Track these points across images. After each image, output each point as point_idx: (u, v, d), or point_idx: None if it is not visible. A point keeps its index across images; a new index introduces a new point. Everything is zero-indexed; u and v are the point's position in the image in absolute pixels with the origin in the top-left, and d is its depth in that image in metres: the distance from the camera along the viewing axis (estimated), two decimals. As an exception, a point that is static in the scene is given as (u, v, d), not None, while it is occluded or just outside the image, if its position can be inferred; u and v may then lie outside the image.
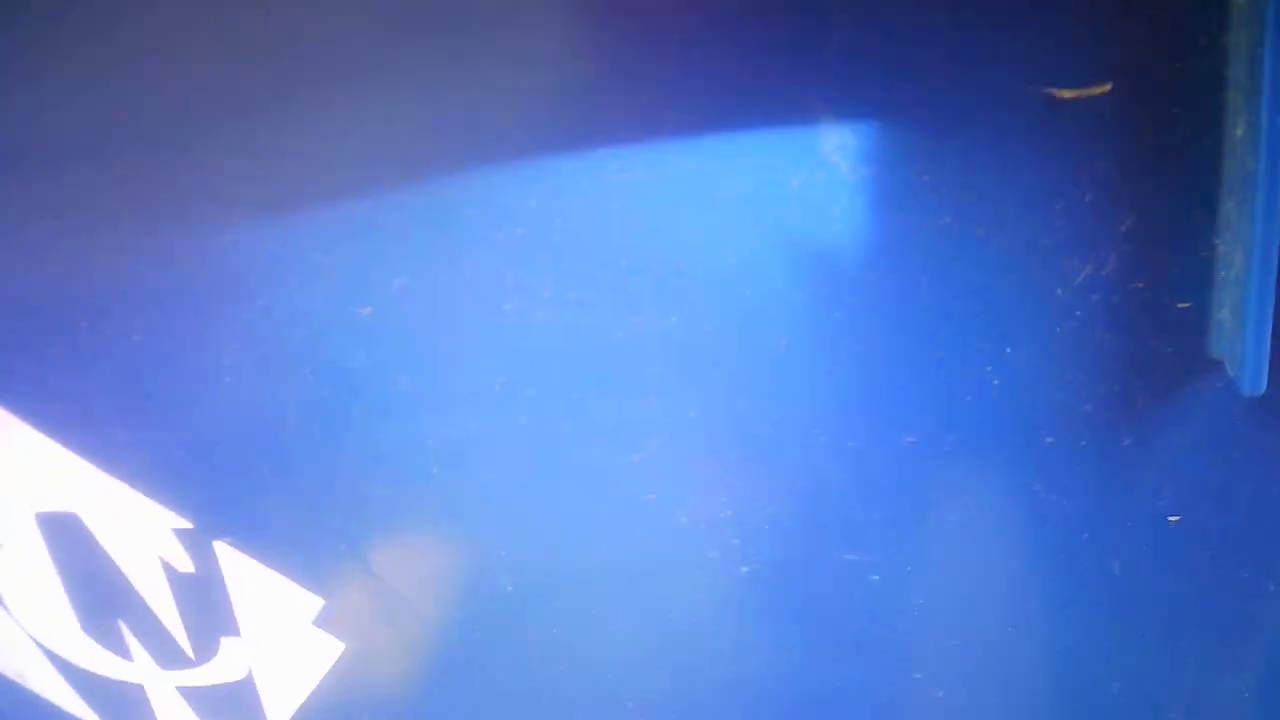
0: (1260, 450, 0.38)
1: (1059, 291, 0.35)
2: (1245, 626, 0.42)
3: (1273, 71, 0.29)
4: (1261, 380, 0.33)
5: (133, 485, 0.40)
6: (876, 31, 0.32)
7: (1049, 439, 0.38)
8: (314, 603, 0.42)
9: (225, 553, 0.41)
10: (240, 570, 0.42)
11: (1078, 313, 0.36)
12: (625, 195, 0.35)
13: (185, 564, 0.42)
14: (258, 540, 0.41)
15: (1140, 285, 0.35)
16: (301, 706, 0.44)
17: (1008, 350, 0.37)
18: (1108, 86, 0.32)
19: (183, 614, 0.43)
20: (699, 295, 0.37)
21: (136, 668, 0.44)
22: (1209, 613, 0.42)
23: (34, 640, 0.44)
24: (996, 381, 0.37)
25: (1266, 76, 0.29)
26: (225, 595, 0.43)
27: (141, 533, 0.41)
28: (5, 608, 0.43)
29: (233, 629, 0.43)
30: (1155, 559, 0.40)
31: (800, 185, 0.34)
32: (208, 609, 0.42)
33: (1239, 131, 0.32)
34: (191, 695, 0.45)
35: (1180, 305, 0.35)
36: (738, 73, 0.34)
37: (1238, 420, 0.37)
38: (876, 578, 0.42)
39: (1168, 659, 0.42)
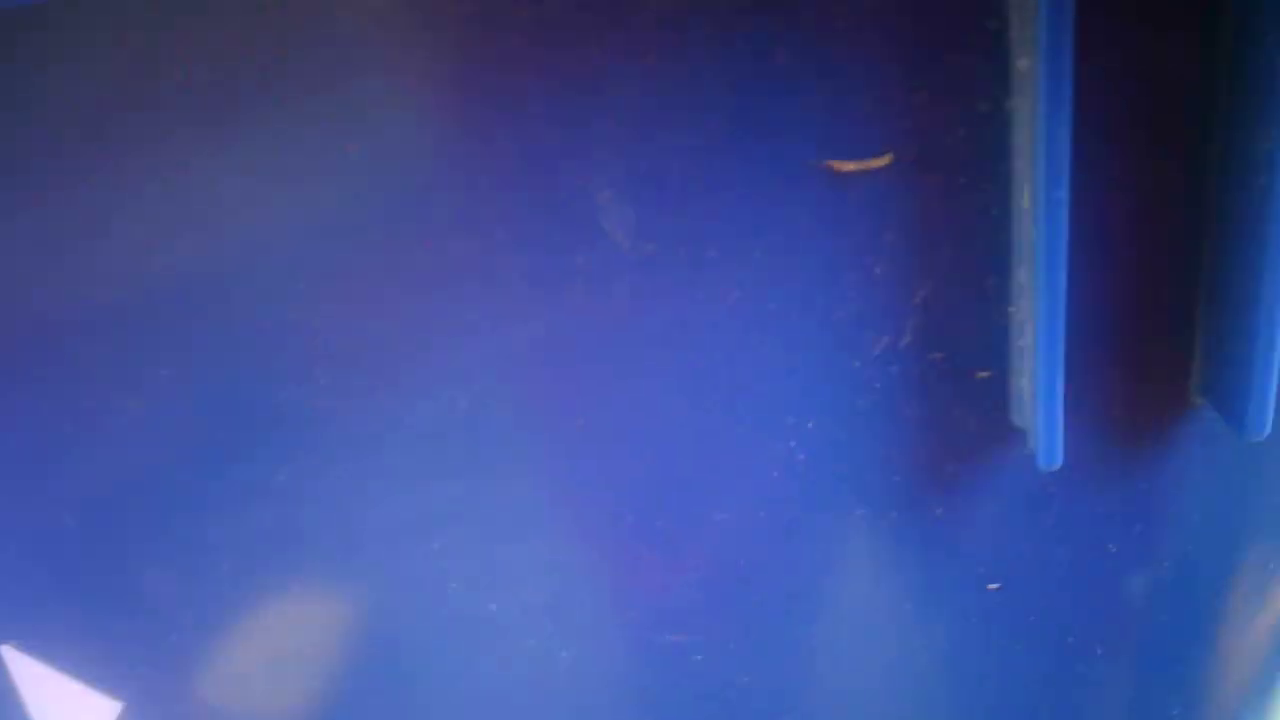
0: (1072, 515, 0.37)
1: (856, 364, 0.34)
2: (1078, 689, 0.41)
3: (1048, 139, 0.27)
4: (1056, 455, 0.32)
5: None
6: (654, 105, 0.30)
7: (859, 511, 0.36)
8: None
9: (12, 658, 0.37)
10: (30, 677, 0.37)
11: (877, 385, 0.34)
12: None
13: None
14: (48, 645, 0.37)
15: (939, 356, 0.34)
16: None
17: (810, 424, 0.35)
18: (887, 159, 0.30)
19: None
20: (490, 378, 0.34)
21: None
22: (1040, 678, 0.41)
23: None
24: (802, 456, 0.35)
25: (1041, 144, 0.28)
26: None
27: None
28: None
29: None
30: (980, 628, 0.39)
31: (583, 263, 0.32)
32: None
33: (1025, 201, 0.30)
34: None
35: (980, 374, 0.34)
36: (513, 150, 0.31)
37: (1049, 487, 0.36)
38: (700, 658, 0.40)
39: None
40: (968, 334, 0.33)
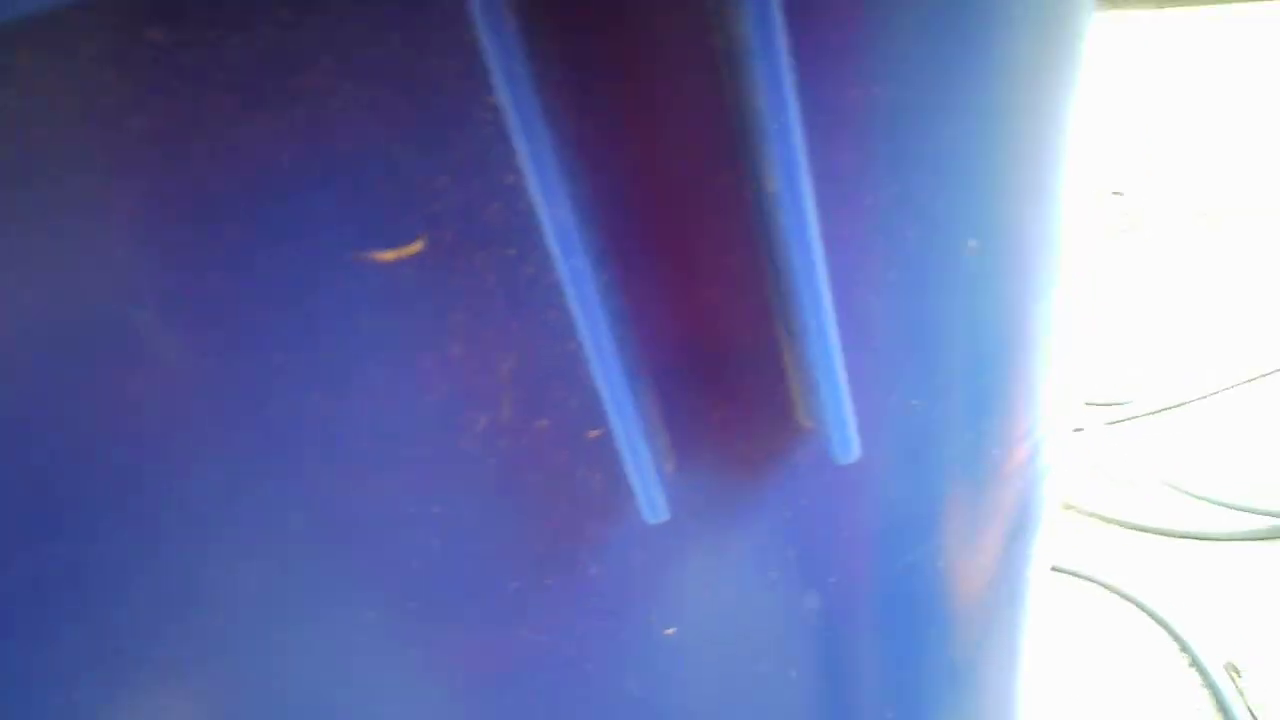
0: (722, 556, 0.37)
1: (465, 443, 0.34)
2: (786, 713, 0.42)
3: (547, 210, 0.28)
4: (658, 509, 0.32)
5: None
6: (171, 215, 0.29)
7: (514, 585, 0.36)
8: None
9: None
10: None
11: (492, 460, 0.34)
12: None
13: None
14: None
15: (545, 423, 0.34)
16: None
17: (435, 510, 0.34)
18: (419, 244, 0.30)
19: None
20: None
21: None
22: (751, 714, 0.41)
23: None
24: (437, 543, 0.35)
25: (542, 216, 0.28)
26: None
27: None
28: None
29: None
30: (670, 679, 0.39)
31: (140, 393, 0.31)
32: None
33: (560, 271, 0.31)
34: None
35: (591, 434, 0.34)
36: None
37: (691, 532, 0.37)
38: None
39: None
40: (566, 397, 0.34)
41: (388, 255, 0.30)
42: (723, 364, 0.34)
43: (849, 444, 0.32)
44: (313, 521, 0.33)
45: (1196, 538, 1.62)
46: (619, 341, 0.30)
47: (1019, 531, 0.46)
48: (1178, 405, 2.00)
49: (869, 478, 0.38)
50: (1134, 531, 1.68)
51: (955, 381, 0.38)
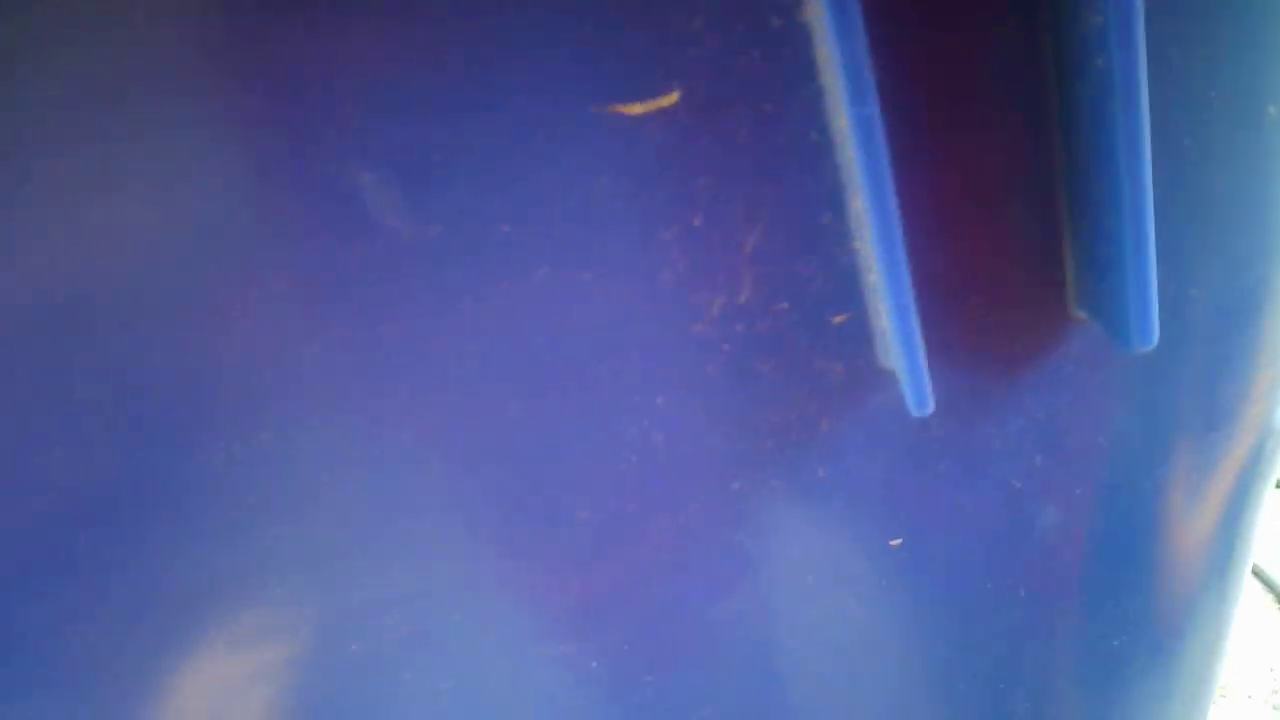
0: (966, 456, 0.34)
1: (696, 328, 0.30)
2: (1006, 637, 0.38)
3: (843, 51, 0.24)
4: (926, 400, 0.29)
5: None
6: (409, 68, 0.26)
7: (736, 485, 0.33)
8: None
9: None
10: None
11: (725, 347, 0.30)
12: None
13: None
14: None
15: (785, 306, 0.30)
16: None
17: (659, 401, 0.31)
18: (675, 95, 0.26)
19: None
20: (294, 407, 0.30)
21: None
22: (964, 631, 0.38)
23: None
24: (659, 436, 0.32)
25: (838, 56, 0.24)
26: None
27: None
28: None
29: None
30: (889, 588, 0.36)
31: (359, 263, 0.28)
32: None
33: (841, 121, 0.27)
34: None
35: (836, 319, 0.31)
36: (259, 136, 0.26)
37: (935, 430, 0.33)
38: (596, 664, 0.37)
39: (926, 689, 0.38)
40: (813, 278, 0.30)
41: (635, 108, 0.26)
42: (991, 250, 0.30)
43: (1150, 329, 0.28)
44: (530, 408, 0.30)
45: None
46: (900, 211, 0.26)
47: (1257, 458, 0.41)
48: None
49: (1134, 374, 0.33)
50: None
51: (1235, 272, 0.33)
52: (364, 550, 0.33)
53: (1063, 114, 0.27)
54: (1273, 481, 0.44)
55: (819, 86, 0.27)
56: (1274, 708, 1.25)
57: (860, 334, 0.31)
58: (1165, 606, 0.41)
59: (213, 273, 0.27)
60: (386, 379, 0.29)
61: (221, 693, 0.34)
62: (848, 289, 0.30)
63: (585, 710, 0.37)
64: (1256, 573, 1.50)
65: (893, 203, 0.26)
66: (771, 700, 0.38)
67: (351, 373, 0.29)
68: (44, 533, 0.29)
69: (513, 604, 0.34)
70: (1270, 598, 1.45)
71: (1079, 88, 0.26)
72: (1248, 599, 1.42)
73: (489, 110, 0.26)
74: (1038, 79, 0.27)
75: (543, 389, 0.30)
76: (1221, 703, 1.25)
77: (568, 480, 0.32)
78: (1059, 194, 0.29)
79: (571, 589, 0.35)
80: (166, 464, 0.30)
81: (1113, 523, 0.37)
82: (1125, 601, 0.39)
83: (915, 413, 0.29)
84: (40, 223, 0.25)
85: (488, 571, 0.34)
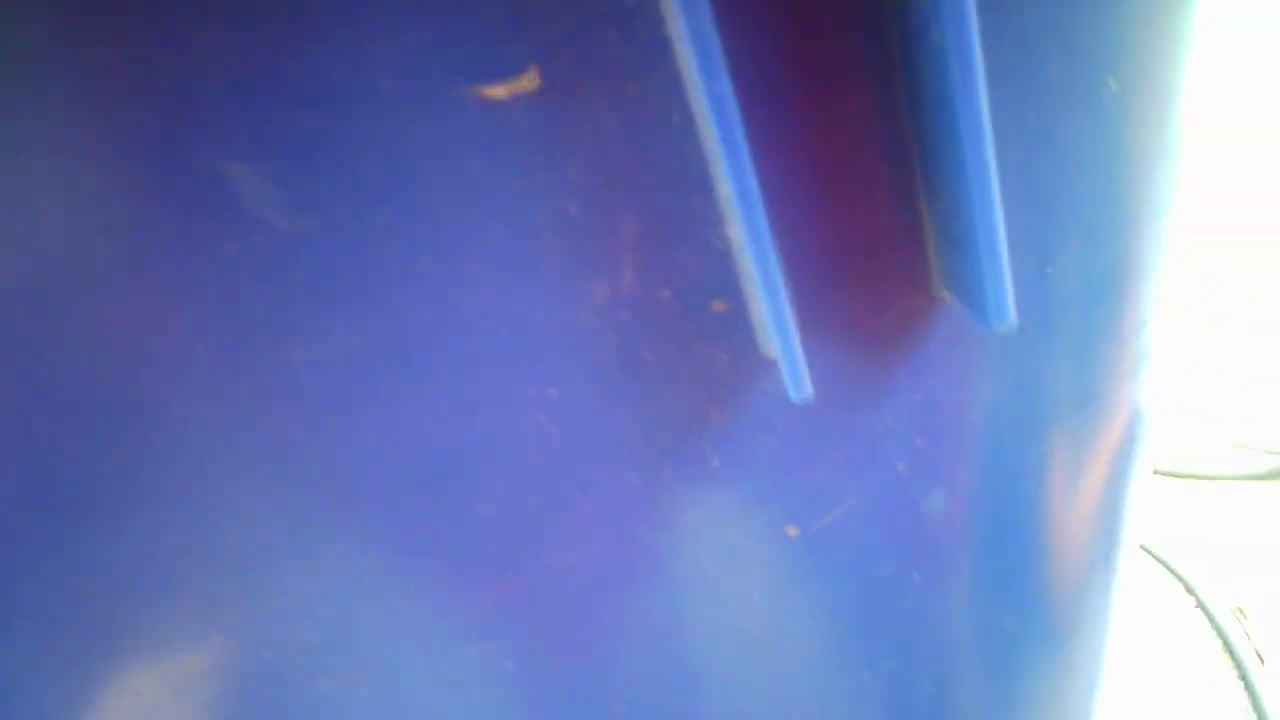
0: (849, 441, 0.34)
1: (583, 318, 0.30)
2: (904, 621, 0.39)
3: (690, 32, 0.25)
4: (803, 386, 0.29)
5: None
6: (263, 55, 0.26)
7: (632, 478, 0.33)
8: None
9: None
10: None
11: (612, 336, 0.31)
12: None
13: None
14: None
15: (667, 293, 0.31)
16: None
17: (553, 394, 0.31)
18: (533, 75, 0.27)
19: None
20: (177, 406, 0.29)
21: None
22: (864, 617, 0.38)
23: None
24: (555, 431, 0.32)
25: (686, 37, 0.25)
26: None
27: None
28: None
29: None
30: (789, 576, 0.36)
31: (234, 255, 0.27)
32: None
33: (695, 103, 0.28)
34: None
35: (717, 306, 0.31)
36: (120, 131, 0.26)
37: (818, 416, 0.34)
38: (510, 664, 0.36)
39: (832, 674, 0.39)
40: (690, 264, 0.30)
41: (498, 90, 0.27)
42: (855, 232, 0.31)
43: (1005, 307, 0.29)
44: (421, 408, 0.30)
45: (1202, 478, 1.62)
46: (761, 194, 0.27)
47: (1130, 437, 0.43)
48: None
49: (1001, 353, 0.35)
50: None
51: (1090, 248, 0.35)
52: (268, 556, 0.31)
53: (908, 89, 0.28)
54: (1150, 463, 0.47)
55: (675, 67, 0.28)
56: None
57: (740, 322, 0.31)
58: (1054, 588, 0.42)
59: (88, 269, 0.26)
60: (274, 376, 0.29)
61: (135, 708, 0.32)
62: (725, 276, 0.31)
63: (503, 711, 0.36)
64: (1169, 569, 1.53)
65: (754, 185, 0.27)
66: (683, 690, 0.37)
67: (237, 368, 0.28)
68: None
69: (422, 606, 0.33)
70: (1191, 600, 1.48)
71: (920, 62, 0.27)
72: (1164, 604, 1.46)
73: (357, 94, 0.26)
74: (886, 55, 0.28)
75: (435, 383, 0.30)
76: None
77: (466, 478, 0.32)
78: (915, 173, 0.30)
79: (477, 589, 0.34)
80: (59, 469, 0.28)
81: (996, 504, 0.38)
82: (1015, 583, 0.40)
83: (795, 399, 0.29)
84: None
85: (395, 573, 0.33)
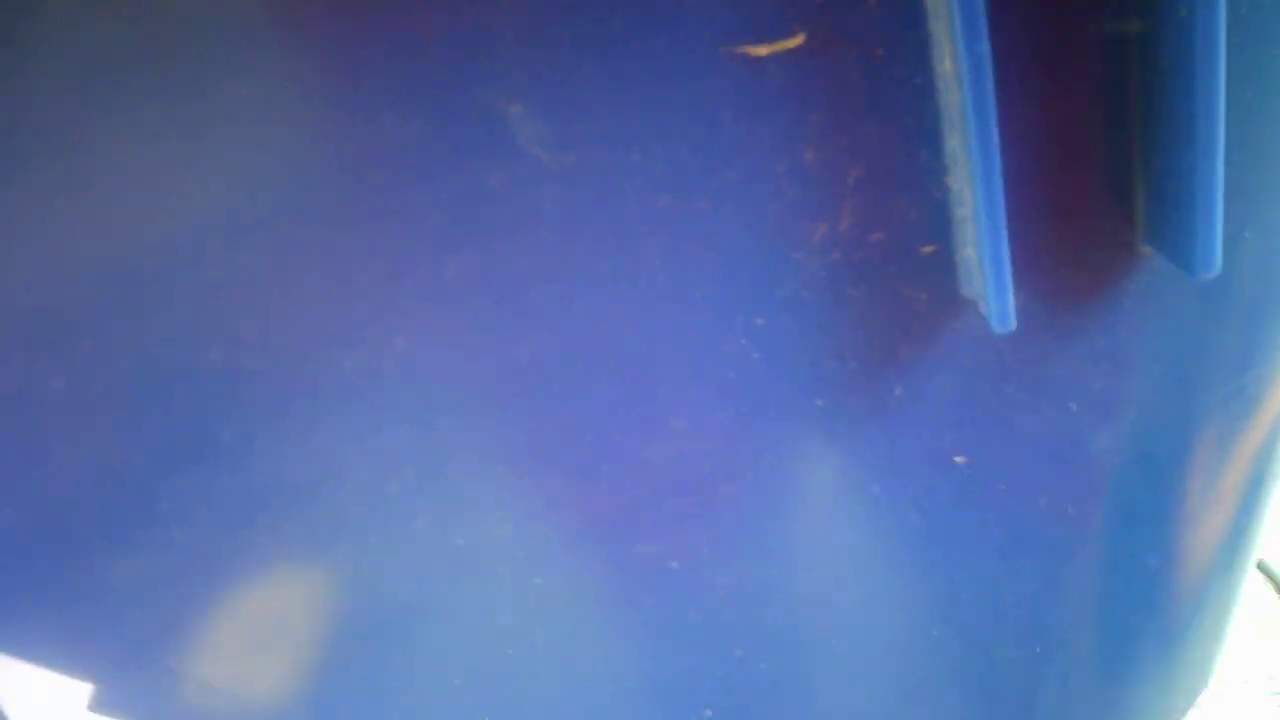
0: (1030, 380, 0.37)
1: (798, 255, 0.33)
2: (1053, 552, 0.42)
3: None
4: (1009, 318, 0.32)
5: None
6: (552, 10, 0.28)
7: (819, 402, 0.36)
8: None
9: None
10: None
11: (822, 273, 0.33)
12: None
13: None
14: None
15: (880, 236, 0.33)
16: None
17: (759, 321, 0.34)
18: (800, 38, 0.29)
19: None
20: (426, 315, 0.33)
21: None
22: (1015, 545, 0.41)
23: None
24: (756, 355, 0.35)
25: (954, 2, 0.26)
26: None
27: None
28: None
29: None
30: (951, 502, 0.40)
31: (504, 183, 0.31)
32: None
33: (946, 64, 0.29)
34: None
35: (924, 250, 0.33)
36: (411, 72, 0.29)
37: (1005, 355, 0.36)
38: (675, 565, 0.40)
39: (988, 597, 0.42)
40: (907, 210, 0.33)
41: (761, 50, 0.29)
42: (1070, 187, 0.33)
43: (1214, 257, 0.31)
44: (639, 327, 0.33)
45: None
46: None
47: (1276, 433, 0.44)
48: None
49: (1188, 310, 0.36)
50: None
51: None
52: (473, 451, 0.36)
53: (1142, 56, 0.29)
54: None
55: (927, 33, 0.29)
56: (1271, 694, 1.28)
57: (945, 265, 0.34)
58: (1198, 528, 0.45)
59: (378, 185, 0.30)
60: (514, 295, 0.32)
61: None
62: (938, 222, 0.33)
63: (658, 609, 0.41)
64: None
65: (995, 136, 0.28)
66: (841, 594, 0.41)
67: (487, 286, 0.32)
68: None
69: (605, 505, 0.38)
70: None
71: (1160, 33, 0.28)
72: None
73: (629, 47, 0.28)
74: (1126, 24, 0.29)
75: (655, 304, 0.33)
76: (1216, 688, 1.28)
77: (668, 391, 0.35)
78: (1134, 134, 0.31)
79: (659, 491, 0.38)
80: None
81: (1155, 448, 0.40)
82: (1161, 521, 0.43)
83: (997, 330, 0.32)
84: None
85: (586, 472, 0.37)
